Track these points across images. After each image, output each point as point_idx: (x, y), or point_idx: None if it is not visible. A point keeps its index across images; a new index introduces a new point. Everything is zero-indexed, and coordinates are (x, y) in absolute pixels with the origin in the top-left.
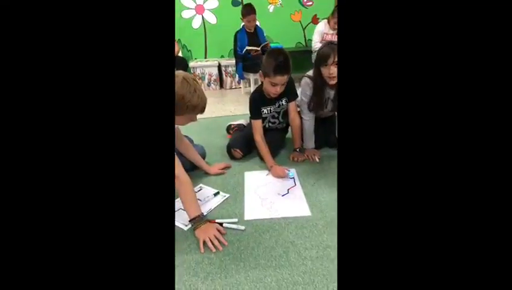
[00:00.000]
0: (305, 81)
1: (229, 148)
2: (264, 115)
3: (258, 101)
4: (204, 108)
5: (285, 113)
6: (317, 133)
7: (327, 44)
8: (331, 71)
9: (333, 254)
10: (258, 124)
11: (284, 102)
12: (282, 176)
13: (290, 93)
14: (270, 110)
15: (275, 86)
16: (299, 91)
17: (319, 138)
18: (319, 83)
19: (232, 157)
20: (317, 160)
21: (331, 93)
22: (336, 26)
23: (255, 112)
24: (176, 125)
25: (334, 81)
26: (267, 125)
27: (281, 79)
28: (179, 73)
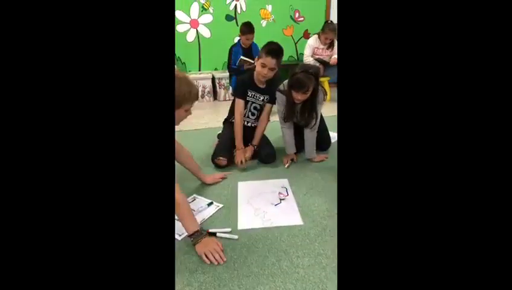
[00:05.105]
0: (278, 94)
1: (213, 158)
2: (248, 98)
3: (246, 82)
4: (197, 94)
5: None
6: (297, 139)
7: (308, 70)
8: (299, 97)
9: (325, 261)
10: (240, 104)
11: (265, 99)
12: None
13: (271, 95)
14: (255, 96)
15: (264, 67)
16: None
17: (298, 143)
18: (289, 99)
19: (218, 166)
20: (286, 166)
21: (299, 106)
22: (327, 42)
23: (240, 91)
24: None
25: (298, 102)
26: (245, 117)
27: (270, 61)
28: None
